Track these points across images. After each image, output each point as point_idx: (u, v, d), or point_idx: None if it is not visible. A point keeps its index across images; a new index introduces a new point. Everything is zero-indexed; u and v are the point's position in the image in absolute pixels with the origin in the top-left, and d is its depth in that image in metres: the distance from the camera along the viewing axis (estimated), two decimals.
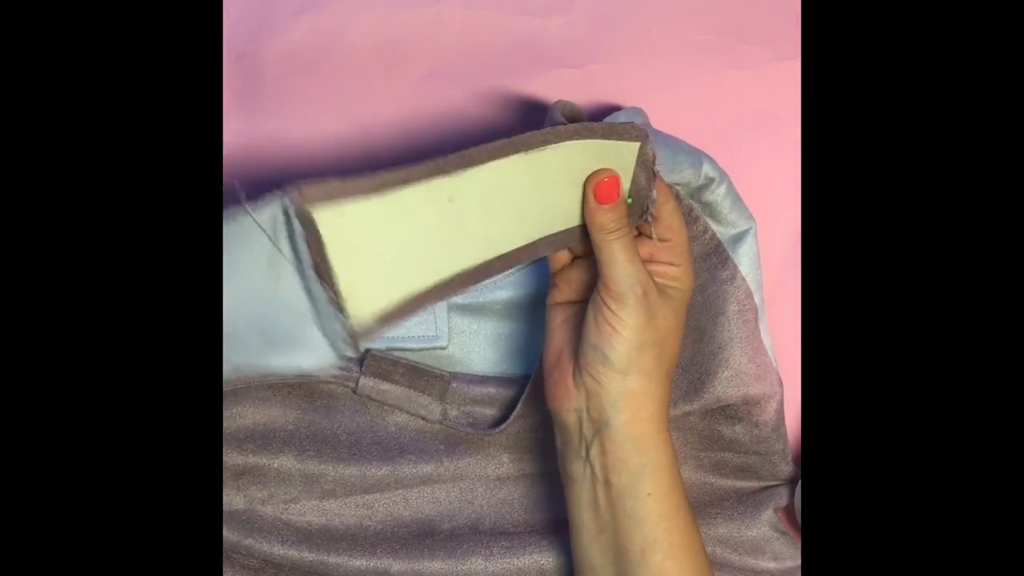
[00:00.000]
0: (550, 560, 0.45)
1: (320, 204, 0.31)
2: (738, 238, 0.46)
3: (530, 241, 0.40)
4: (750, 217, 0.46)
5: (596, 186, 0.40)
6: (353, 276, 0.33)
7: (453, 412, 0.47)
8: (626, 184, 0.41)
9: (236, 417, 0.47)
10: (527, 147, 0.38)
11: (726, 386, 0.46)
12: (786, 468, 0.48)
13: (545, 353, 0.43)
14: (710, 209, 0.46)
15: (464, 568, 0.45)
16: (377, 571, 0.45)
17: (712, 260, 0.46)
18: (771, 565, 0.47)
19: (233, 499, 0.46)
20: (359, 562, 0.45)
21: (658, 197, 0.41)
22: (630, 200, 0.41)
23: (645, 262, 0.41)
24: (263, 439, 0.46)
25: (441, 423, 0.47)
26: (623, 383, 0.40)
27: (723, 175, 0.45)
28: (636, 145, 0.40)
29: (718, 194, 0.45)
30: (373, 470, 0.47)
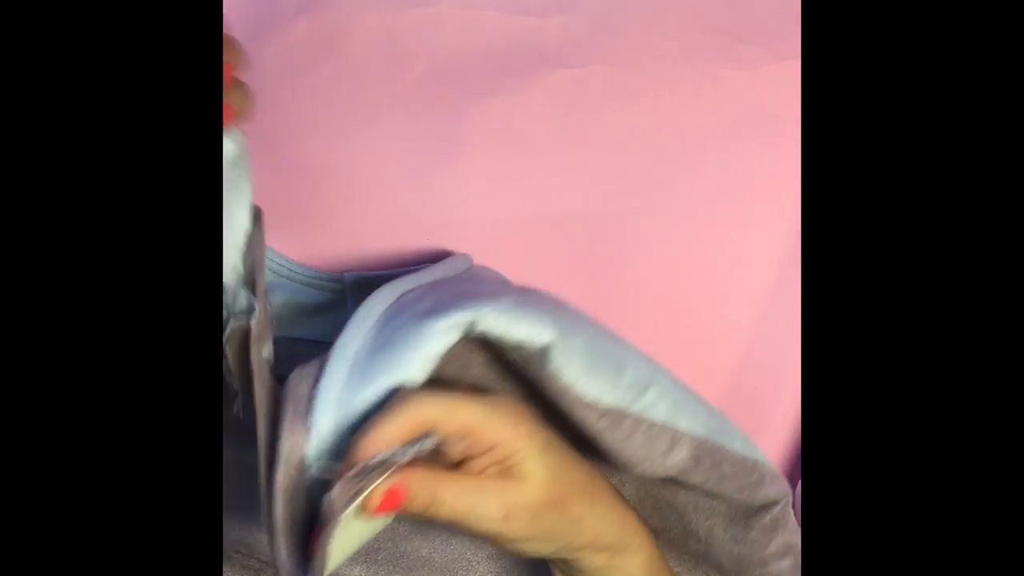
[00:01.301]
0: None
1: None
2: (544, 353, 0.39)
3: None
4: (546, 329, 0.39)
5: (378, 509, 0.36)
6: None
7: None
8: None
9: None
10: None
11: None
12: (772, 489, 0.45)
13: None
14: (499, 340, 0.39)
15: (453, 552, 0.45)
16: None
17: (533, 370, 0.40)
18: None
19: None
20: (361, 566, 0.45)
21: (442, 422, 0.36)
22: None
23: (477, 471, 0.37)
24: None
25: None
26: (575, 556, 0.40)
27: (476, 311, 0.38)
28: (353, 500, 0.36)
29: (489, 325, 0.38)
30: None
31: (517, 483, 0.37)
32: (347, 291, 0.47)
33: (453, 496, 0.36)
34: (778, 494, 0.44)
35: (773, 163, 0.50)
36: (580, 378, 0.39)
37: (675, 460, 0.42)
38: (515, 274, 0.49)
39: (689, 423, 0.42)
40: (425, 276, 0.43)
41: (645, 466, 0.41)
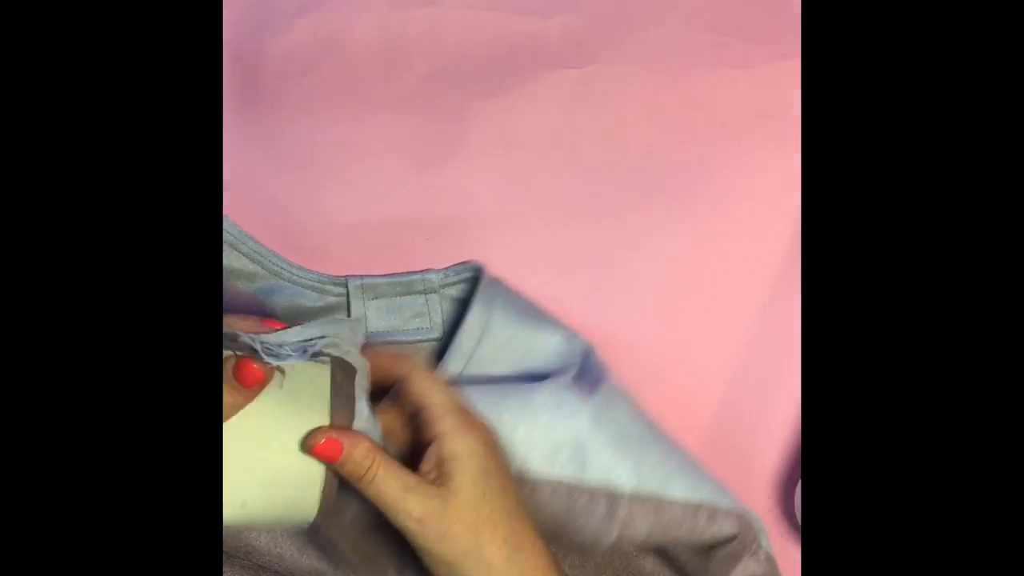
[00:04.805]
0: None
1: None
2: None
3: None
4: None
5: (317, 452, 0.37)
6: None
7: None
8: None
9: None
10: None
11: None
12: (726, 525, 0.46)
13: None
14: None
15: None
16: None
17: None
18: None
19: None
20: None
21: (403, 371, 0.40)
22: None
23: (423, 469, 0.38)
24: None
25: None
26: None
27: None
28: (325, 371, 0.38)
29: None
30: None
31: (443, 491, 0.38)
32: (350, 295, 0.48)
33: (384, 479, 0.37)
34: (734, 528, 0.45)
35: (773, 163, 0.50)
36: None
37: (618, 520, 0.43)
38: (515, 274, 0.49)
39: (626, 477, 0.43)
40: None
41: (604, 540, 0.43)
